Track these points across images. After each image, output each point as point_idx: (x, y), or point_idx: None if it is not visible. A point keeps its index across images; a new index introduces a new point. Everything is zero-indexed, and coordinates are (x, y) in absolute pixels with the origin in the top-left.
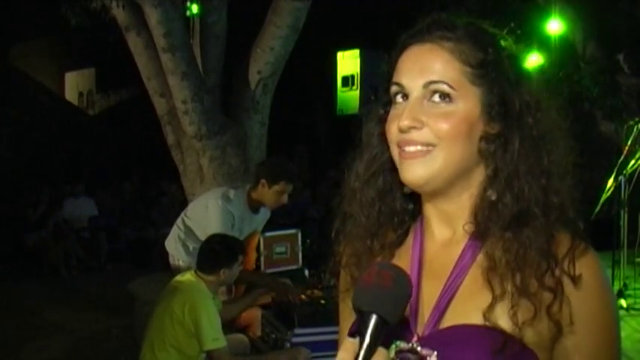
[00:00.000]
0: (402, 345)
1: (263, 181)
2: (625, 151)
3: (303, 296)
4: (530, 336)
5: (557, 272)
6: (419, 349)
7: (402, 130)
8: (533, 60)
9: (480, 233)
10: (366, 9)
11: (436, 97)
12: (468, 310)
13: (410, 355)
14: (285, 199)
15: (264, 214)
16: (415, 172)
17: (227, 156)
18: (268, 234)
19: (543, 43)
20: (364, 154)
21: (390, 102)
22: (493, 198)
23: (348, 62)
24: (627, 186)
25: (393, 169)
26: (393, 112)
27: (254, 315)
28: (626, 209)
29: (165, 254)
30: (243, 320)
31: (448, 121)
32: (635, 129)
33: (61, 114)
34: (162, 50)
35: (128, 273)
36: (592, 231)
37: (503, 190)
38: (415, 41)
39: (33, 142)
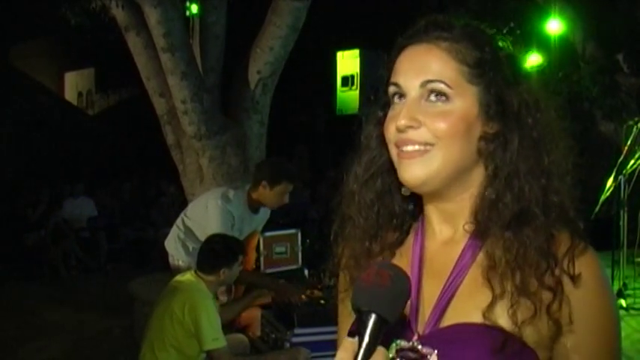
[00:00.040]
0: (403, 344)
1: (264, 183)
2: (624, 151)
3: (302, 296)
4: (529, 335)
5: (556, 271)
6: (419, 347)
7: (399, 130)
8: (533, 60)
9: (480, 232)
10: (365, 9)
11: (433, 97)
12: (468, 309)
13: (410, 354)
14: (286, 198)
15: (264, 214)
16: (413, 172)
17: (226, 156)
18: (268, 234)
19: (543, 42)
20: (363, 156)
21: (388, 104)
22: (493, 197)
23: (348, 62)
24: (627, 186)
25: (391, 170)
26: (391, 112)
27: (254, 315)
28: (626, 209)
29: (164, 254)
30: (242, 320)
31: (446, 120)
32: (634, 129)
33: (60, 114)
34: (161, 50)
35: (128, 273)
36: (591, 231)
37: (503, 190)
38: (412, 42)
39: (32, 142)
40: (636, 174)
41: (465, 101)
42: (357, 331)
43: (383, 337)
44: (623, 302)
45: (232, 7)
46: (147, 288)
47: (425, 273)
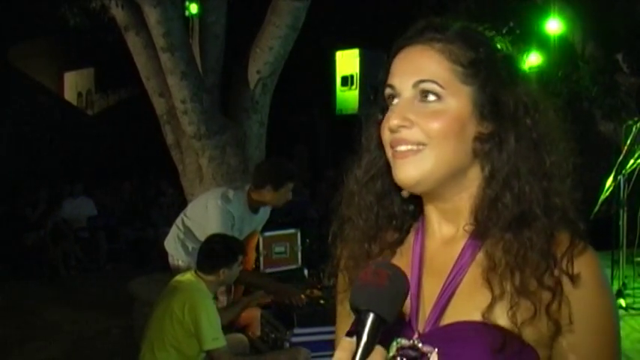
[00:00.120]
0: (404, 342)
1: (269, 187)
2: (624, 151)
3: (302, 296)
4: (529, 334)
5: (556, 272)
6: (420, 345)
7: (392, 130)
8: (532, 60)
9: (479, 232)
10: (365, 9)
11: (426, 97)
12: (468, 308)
13: (411, 352)
14: (289, 195)
15: (263, 214)
16: (407, 171)
17: (226, 156)
18: (267, 234)
19: (542, 42)
20: (363, 157)
21: (387, 106)
22: (492, 198)
23: (348, 62)
24: (626, 185)
25: (390, 172)
26: (387, 114)
27: (253, 315)
28: (625, 209)
29: (164, 254)
30: (242, 320)
31: (438, 120)
32: (634, 128)
33: (60, 114)
34: (161, 50)
35: (128, 273)
36: (591, 230)
37: (502, 191)
38: (407, 44)
39: (32, 142)
40: (636, 173)
41: (458, 101)
42: (355, 330)
43: (383, 335)
44: (622, 302)
45: (232, 7)
46: (146, 288)
47: (425, 272)
